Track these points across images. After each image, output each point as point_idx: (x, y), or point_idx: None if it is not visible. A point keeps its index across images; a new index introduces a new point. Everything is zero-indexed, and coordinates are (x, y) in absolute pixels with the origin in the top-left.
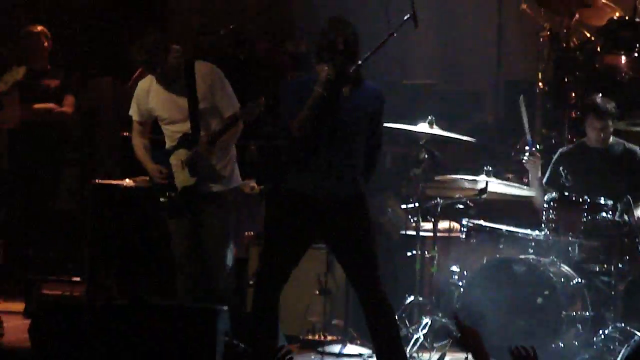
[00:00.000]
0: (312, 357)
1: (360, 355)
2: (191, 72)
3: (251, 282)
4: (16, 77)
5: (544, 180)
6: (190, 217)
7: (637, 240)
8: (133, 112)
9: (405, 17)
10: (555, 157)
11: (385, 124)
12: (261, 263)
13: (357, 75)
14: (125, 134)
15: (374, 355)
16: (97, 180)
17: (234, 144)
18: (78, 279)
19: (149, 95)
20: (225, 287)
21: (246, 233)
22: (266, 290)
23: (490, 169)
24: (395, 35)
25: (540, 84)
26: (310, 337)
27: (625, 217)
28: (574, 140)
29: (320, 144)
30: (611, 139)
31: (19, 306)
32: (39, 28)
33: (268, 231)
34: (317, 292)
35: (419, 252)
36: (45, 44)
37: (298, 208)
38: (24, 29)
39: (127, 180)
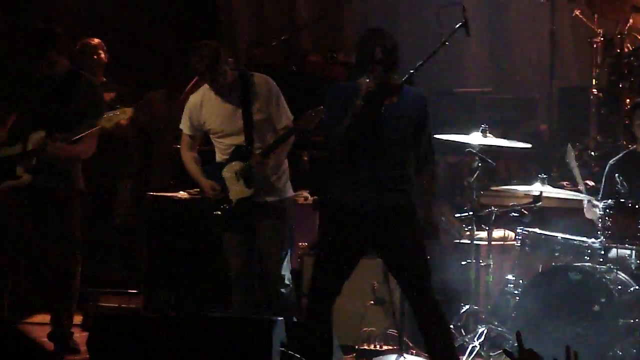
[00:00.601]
0: None
1: None
2: (247, 83)
3: (305, 293)
4: (121, 118)
5: (599, 196)
6: (246, 229)
7: None
8: (184, 125)
9: (457, 25)
10: (606, 170)
11: (439, 135)
12: (313, 275)
13: (399, 83)
14: (178, 146)
15: None
16: (152, 193)
17: (286, 155)
18: (135, 291)
19: (202, 108)
20: (287, 298)
21: (300, 244)
22: (318, 302)
23: (545, 176)
24: (447, 43)
25: (594, 90)
26: (365, 346)
27: None
28: (629, 146)
29: (363, 155)
30: None
31: (77, 319)
32: (96, 41)
33: (320, 243)
34: (372, 302)
35: (474, 261)
36: (102, 56)
37: (344, 221)
38: (81, 41)
39: (182, 192)
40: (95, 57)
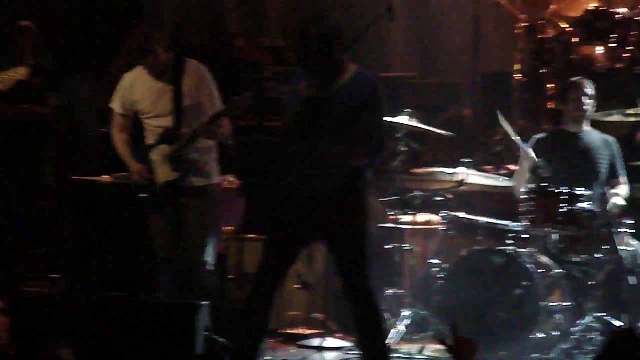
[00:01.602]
0: (293, 351)
1: (341, 348)
2: (180, 67)
3: (230, 277)
4: (16, 77)
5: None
6: (172, 212)
7: (614, 230)
8: (115, 105)
9: (382, 10)
10: (530, 143)
11: None
12: (261, 259)
13: (341, 67)
14: (102, 130)
15: (356, 348)
16: (76, 177)
17: (220, 141)
18: (57, 275)
19: (134, 87)
20: (208, 283)
21: (225, 228)
22: (264, 285)
23: (468, 161)
24: (372, 28)
25: (516, 75)
26: (290, 331)
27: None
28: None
29: (309, 139)
30: (588, 127)
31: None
32: (25, 24)
33: (270, 226)
34: (297, 286)
35: (398, 245)
36: (31, 38)
37: (293, 204)
38: (11, 24)
39: (105, 176)
40: (23, 38)
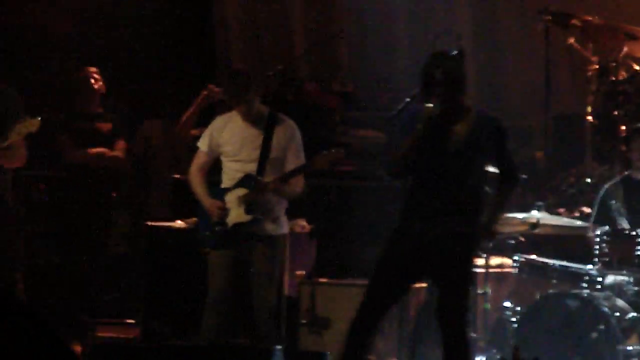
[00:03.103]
0: None
1: None
2: (274, 120)
3: (303, 322)
4: (30, 129)
5: (592, 219)
6: (235, 253)
7: None
8: (202, 143)
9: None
10: (601, 193)
11: None
12: (364, 297)
13: (467, 107)
14: (176, 176)
15: None
16: (149, 223)
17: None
18: (132, 321)
19: (225, 129)
20: (269, 329)
21: (297, 272)
22: (365, 321)
23: (542, 204)
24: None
25: (589, 117)
26: None
27: None
28: (625, 172)
29: (427, 180)
30: None
31: (76, 350)
32: (90, 69)
33: (376, 266)
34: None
35: (472, 289)
36: (96, 85)
37: (403, 245)
38: (76, 71)
39: (179, 222)
40: (90, 85)
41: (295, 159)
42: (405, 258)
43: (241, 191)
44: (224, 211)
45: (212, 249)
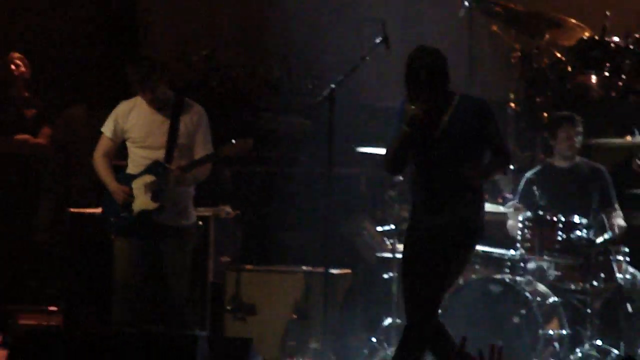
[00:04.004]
0: None
1: None
2: (181, 106)
3: (228, 308)
4: None
5: (517, 200)
6: (141, 241)
7: (611, 257)
8: (107, 129)
9: (378, 40)
10: (522, 182)
11: (361, 148)
12: (405, 300)
13: (450, 93)
14: None
15: None
16: (72, 210)
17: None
18: (55, 308)
19: (130, 115)
20: (185, 317)
21: (222, 258)
22: (423, 330)
23: None
24: (367, 58)
25: (512, 104)
26: None
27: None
28: (547, 160)
29: (422, 176)
30: (577, 158)
31: None
32: (13, 55)
33: (402, 271)
34: (295, 315)
35: (396, 274)
36: (17, 72)
37: (419, 242)
38: (3, 57)
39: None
40: (16, 70)
41: (203, 146)
42: (424, 254)
43: (148, 178)
44: (130, 197)
45: (117, 235)
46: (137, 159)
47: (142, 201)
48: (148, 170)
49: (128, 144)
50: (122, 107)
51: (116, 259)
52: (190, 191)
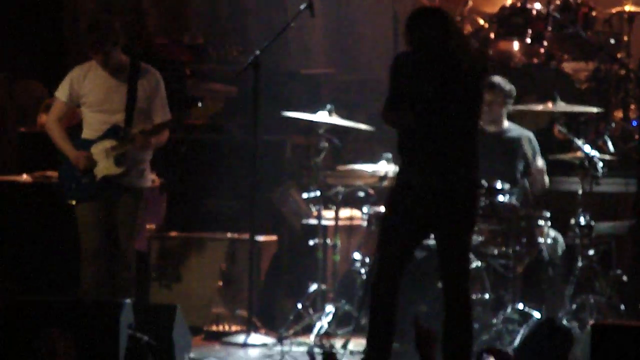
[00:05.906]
0: (217, 347)
1: (264, 344)
2: (137, 70)
3: (153, 275)
4: None
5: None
6: (104, 205)
7: (533, 223)
8: (61, 93)
9: (302, 7)
10: None
11: (286, 113)
12: (378, 254)
13: (453, 56)
14: (22, 129)
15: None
16: None
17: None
18: None
19: (86, 79)
20: (131, 281)
21: (147, 226)
22: (386, 281)
23: (390, 156)
24: (292, 25)
25: None
26: (214, 328)
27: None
28: None
29: (422, 133)
30: (506, 123)
31: None
32: None
33: (384, 221)
34: (220, 282)
35: (321, 241)
36: None
37: (407, 199)
38: None
39: (25, 175)
40: None
41: (162, 109)
42: (410, 215)
43: (109, 142)
44: (91, 162)
45: (79, 201)
46: (94, 124)
47: (104, 166)
48: (107, 134)
49: (83, 108)
50: (77, 71)
51: (81, 226)
52: (149, 154)
